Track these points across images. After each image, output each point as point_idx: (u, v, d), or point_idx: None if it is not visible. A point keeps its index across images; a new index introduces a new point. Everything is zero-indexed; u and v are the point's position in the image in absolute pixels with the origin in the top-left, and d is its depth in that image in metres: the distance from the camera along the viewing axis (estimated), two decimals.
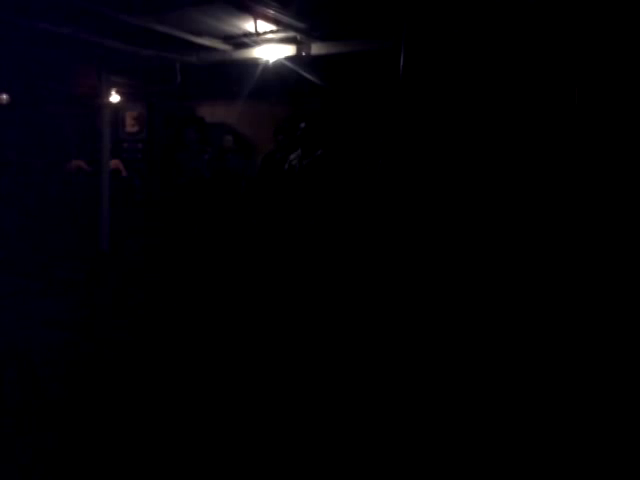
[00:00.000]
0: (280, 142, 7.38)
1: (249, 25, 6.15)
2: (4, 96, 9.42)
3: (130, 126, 10.30)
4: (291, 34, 6.29)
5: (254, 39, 6.58)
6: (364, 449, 3.19)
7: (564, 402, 3.66)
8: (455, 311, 4.72)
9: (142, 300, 6.39)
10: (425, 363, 4.30)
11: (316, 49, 6.40)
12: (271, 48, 6.62)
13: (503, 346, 4.29)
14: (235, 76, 7.59)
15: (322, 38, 6.32)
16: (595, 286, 4.30)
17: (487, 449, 3.20)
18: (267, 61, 6.77)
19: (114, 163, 9.28)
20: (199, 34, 6.60)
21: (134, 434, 3.39)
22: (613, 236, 4.32)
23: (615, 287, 4.24)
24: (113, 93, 9.12)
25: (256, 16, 5.78)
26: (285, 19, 5.85)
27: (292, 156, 6.88)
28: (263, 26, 6.13)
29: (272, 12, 5.58)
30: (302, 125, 6.88)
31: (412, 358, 4.39)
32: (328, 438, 3.30)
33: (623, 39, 4.36)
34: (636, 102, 4.31)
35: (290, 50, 6.53)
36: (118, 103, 9.59)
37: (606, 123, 4.46)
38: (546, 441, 3.26)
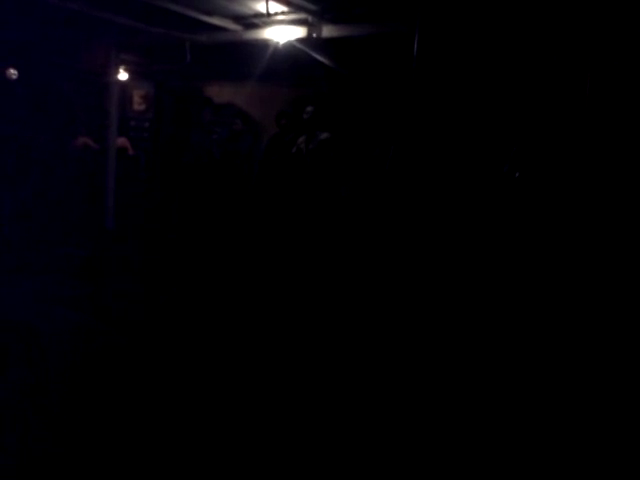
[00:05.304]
0: (283, 126, 7.42)
1: (260, 5, 6.10)
2: (12, 71, 9.35)
3: (137, 104, 10.27)
4: (302, 16, 6.24)
5: (265, 20, 6.53)
6: (364, 448, 3.19)
7: (563, 401, 3.66)
8: (463, 306, 4.72)
9: (146, 279, 6.41)
10: (426, 360, 4.28)
11: (327, 31, 6.34)
12: (281, 29, 6.57)
13: (503, 347, 4.27)
14: (244, 57, 7.55)
15: (333, 20, 6.26)
16: (602, 285, 4.29)
17: (487, 448, 3.20)
18: (277, 42, 6.71)
19: (121, 141, 9.26)
20: (210, 13, 6.54)
21: (134, 419, 3.41)
22: (626, 233, 4.31)
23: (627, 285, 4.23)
24: (121, 71, 9.09)
25: None
26: (296, 0, 5.80)
27: (300, 139, 6.88)
28: (274, 7, 6.09)
29: None
30: (309, 109, 6.88)
31: (413, 354, 4.38)
32: (328, 437, 3.30)
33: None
34: None
35: (301, 32, 6.47)
36: (126, 81, 9.54)
37: (617, 112, 4.44)
38: (546, 440, 3.26)
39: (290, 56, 6.99)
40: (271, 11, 6.20)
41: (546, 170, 4.71)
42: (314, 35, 6.37)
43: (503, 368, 4.10)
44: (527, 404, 3.61)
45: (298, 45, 6.66)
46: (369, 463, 3.06)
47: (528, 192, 4.77)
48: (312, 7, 6.00)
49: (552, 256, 4.57)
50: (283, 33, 6.57)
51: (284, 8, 6.10)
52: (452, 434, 3.34)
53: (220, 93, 9.35)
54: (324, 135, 6.74)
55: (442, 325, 4.65)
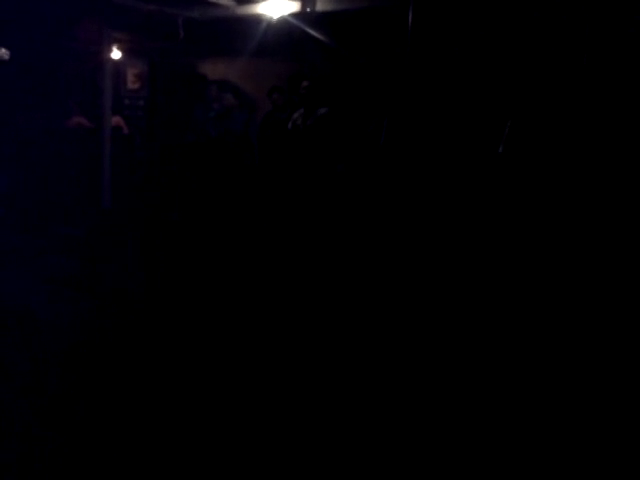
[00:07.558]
0: (275, 101, 7.36)
1: None
2: (4, 51, 9.25)
3: (131, 83, 10.17)
4: None
5: None
6: (364, 448, 3.15)
7: (564, 401, 3.65)
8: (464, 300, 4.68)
9: (144, 258, 6.41)
10: (426, 359, 4.25)
11: (321, 5, 6.29)
12: (275, 4, 6.51)
13: (503, 347, 4.24)
14: (238, 33, 7.49)
15: None
16: (598, 284, 4.26)
17: (487, 449, 3.20)
18: (271, 17, 6.66)
19: (115, 120, 9.18)
20: None
21: (132, 406, 3.40)
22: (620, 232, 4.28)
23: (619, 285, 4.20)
24: (114, 49, 8.99)
25: None
26: None
27: (295, 115, 6.83)
28: None
29: None
30: (305, 84, 6.82)
31: (413, 353, 4.35)
32: (328, 437, 3.25)
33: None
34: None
35: (295, 6, 6.42)
36: (119, 59, 9.46)
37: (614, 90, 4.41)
38: (546, 441, 3.25)
39: (284, 31, 6.92)
40: None
41: (540, 143, 4.69)
42: (308, 9, 6.32)
43: (500, 355, 4.10)
44: (526, 401, 3.59)
45: (292, 20, 6.60)
46: (368, 461, 3.04)
47: (521, 167, 4.75)
48: None
49: (546, 235, 4.55)
50: (277, 8, 6.52)
51: None
52: (451, 432, 3.33)
53: (214, 69, 9.28)
54: (322, 110, 6.69)
55: (438, 308, 4.62)
